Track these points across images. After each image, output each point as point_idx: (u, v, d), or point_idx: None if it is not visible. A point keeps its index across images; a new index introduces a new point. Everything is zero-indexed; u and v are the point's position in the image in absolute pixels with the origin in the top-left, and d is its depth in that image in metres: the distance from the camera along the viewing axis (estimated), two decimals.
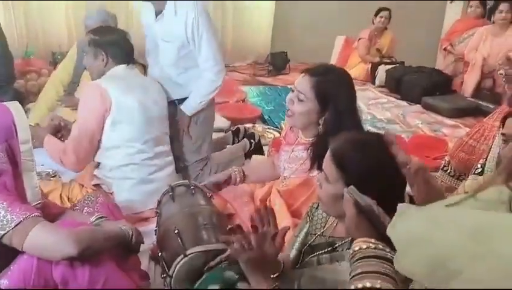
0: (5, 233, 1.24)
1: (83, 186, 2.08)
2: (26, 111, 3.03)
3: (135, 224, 1.93)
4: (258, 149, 2.89)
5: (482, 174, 1.81)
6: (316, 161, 1.66)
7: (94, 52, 2.08)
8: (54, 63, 4.37)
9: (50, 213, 1.54)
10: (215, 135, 3.06)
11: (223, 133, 3.27)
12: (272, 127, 3.48)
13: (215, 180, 1.97)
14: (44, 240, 1.26)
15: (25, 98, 3.09)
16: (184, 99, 2.43)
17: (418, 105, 4.21)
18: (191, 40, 2.27)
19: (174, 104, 2.47)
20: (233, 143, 2.91)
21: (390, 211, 0.90)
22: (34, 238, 1.25)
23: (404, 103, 4.32)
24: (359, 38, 5.25)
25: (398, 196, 1.14)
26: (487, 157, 1.80)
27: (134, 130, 2.07)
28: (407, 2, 5.58)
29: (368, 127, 3.59)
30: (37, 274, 1.29)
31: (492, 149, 1.80)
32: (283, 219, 1.77)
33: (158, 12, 2.31)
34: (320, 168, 1.68)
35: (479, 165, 1.82)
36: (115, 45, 2.08)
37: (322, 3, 5.59)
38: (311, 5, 5.64)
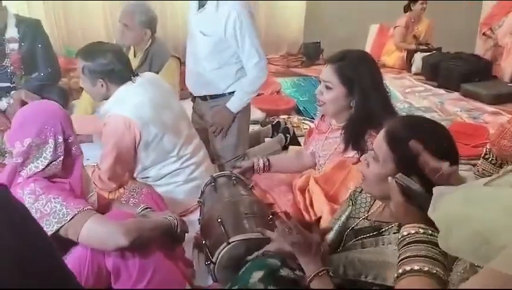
0: (62, 226, 1.34)
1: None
2: (71, 108, 3.21)
3: (179, 215, 2.05)
4: (294, 141, 2.93)
5: None
6: (350, 141, 1.75)
7: (90, 79, 1.94)
8: None
9: (99, 204, 1.63)
10: (251, 127, 3.12)
11: (259, 126, 3.33)
12: (308, 118, 3.48)
13: (238, 168, 2.02)
14: (97, 232, 1.35)
15: (69, 96, 3.22)
16: (216, 95, 2.47)
17: (456, 92, 4.10)
18: (232, 38, 2.30)
19: (205, 100, 2.53)
20: (272, 136, 2.95)
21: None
22: (88, 230, 1.34)
23: (441, 91, 4.22)
24: (395, 26, 5.15)
25: None
26: None
27: (167, 145, 2.05)
28: None
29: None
30: (91, 263, 1.39)
31: None
32: (321, 206, 1.81)
33: (201, 5, 2.37)
34: (355, 148, 1.74)
35: None
36: (110, 69, 1.92)
37: None
38: None
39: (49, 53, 2.94)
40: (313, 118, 3.42)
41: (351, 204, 1.38)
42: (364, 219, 1.31)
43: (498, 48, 4.65)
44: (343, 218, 1.38)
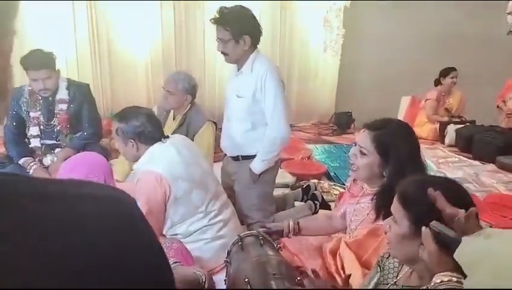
0: None
1: None
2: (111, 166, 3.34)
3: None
4: (324, 207, 2.93)
5: None
6: (382, 210, 1.69)
7: (123, 139, 2.09)
8: None
9: None
10: (281, 191, 3.14)
11: (289, 189, 3.35)
12: (338, 184, 3.49)
13: (265, 228, 1.99)
14: None
15: (109, 155, 3.36)
16: (248, 156, 2.53)
17: (492, 164, 4.04)
18: (260, 93, 2.39)
19: (237, 160, 2.60)
20: (302, 200, 2.96)
21: None
22: None
23: (476, 163, 4.17)
24: (426, 99, 5.23)
25: None
26: None
27: (195, 200, 2.10)
28: (475, 59, 5.51)
29: None
30: None
31: None
32: (353, 270, 1.76)
33: (238, 69, 2.51)
34: (385, 217, 1.70)
35: None
36: (141, 131, 2.06)
37: (386, 63, 5.68)
38: (376, 66, 5.75)
39: (94, 115, 3.13)
40: (343, 184, 3.42)
41: (379, 270, 1.36)
42: (392, 284, 1.29)
43: (510, 119, 4.69)
44: (372, 285, 1.36)
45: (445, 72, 5.12)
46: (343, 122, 5.57)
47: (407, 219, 1.15)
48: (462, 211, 1.05)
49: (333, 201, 3.11)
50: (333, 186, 3.42)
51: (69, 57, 4.70)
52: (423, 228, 1.07)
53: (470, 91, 5.14)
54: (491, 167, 3.99)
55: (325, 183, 3.47)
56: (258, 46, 2.48)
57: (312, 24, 5.66)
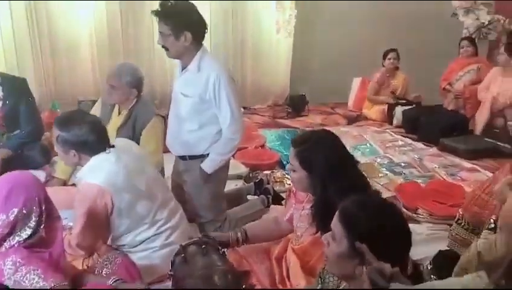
0: None
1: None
2: (52, 164, 3.21)
3: (153, 282, 2.05)
4: (277, 199, 2.96)
5: (494, 230, 1.81)
6: (320, 224, 1.73)
7: (63, 148, 1.97)
8: None
9: (71, 274, 1.63)
10: (234, 183, 3.14)
11: (242, 181, 3.35)
12: None
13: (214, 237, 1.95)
14: None
15: (51, 152, 3.22)
16: (195, 156, 2.49)
17: (434, 148, 4.20)
18: (212, 99, 2.35)
19: (185, 159, 2.56)
20: (255, 194, 2.97)
21: None
22: None
23: (421, 145, 4.31)
24: (369, 81, 5.37)
25: (401, 257, 1.18)
26: (499, 212, 1.80)
27: (141, 211, 2.04)
28: (427, 39, 5.60)
29: (384, 170, 3.62)
30: None
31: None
32: (298, 278, 1.81)
33: (184, 68, 2.44)
34: (320, 228, 1.74)
35: (491, 221, 1.82)
36: (84, 141, 1.93)
37: (340, 44, 5.71)
38: (329, 46, 5.77)
39: (32, 112, 2.97)
40: None
41: (320, 283, 1.39)
42: None
43: (458, 100, 4.88)
44: None
45: (385, 54, 5.25)
46: (297, 105, 5.61)
47: (347, 239, 1.18)
48: (387, 266, 1.07)
49: (285, 192, 3.15)
50: (286, 176, 3.44)
51: (4, 33, 4.39)
52: (363, 268, 1.09)
53: (420, 70, 5.26)
54: (433, 150, 4.15)
55: (278, 173, 3.49)
56: (203, 43, 2.42)
57: (264, 5, 5.59)
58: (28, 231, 1.45)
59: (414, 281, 1.15)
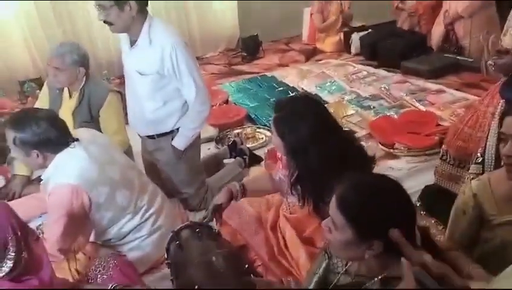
0: None
1: (89, 258, 1.97)
2: (9, 161, 2.96)
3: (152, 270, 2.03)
4: (254, 160, 2.89)
5: (482, 164, 1.82)
6: (305, 200, 1.68)
7: (23, 150, 1.81)
8: (23, 92, 4.25)
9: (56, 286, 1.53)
10: (206, 146, 3.04)
11: (213, 143, 3.25)
12: (261, 126, 3.44)
13: (218, 202, 1.91)
14: None
15: (5, 148, 2.96)
16: (163, 134, 2.37)
17: (398, 74, 4.17)
18: (171, 73, 2.19)
19: (153, 138, 2.42)
20: (230, 156, 2.89)
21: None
22: None
23: (384, 72, 4.26)
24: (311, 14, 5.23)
25: (409, 234, 1.13)
26: (486, 145, 1.80)
27: (121, 201, 1.94)
28: None
29: (354, 106, 3.59)
30: None
31: (489, 138, 1.80)
32: (295, 248, 1.78)
33: (133, 42, 2.23)
34: (315, 209, 1.67)
35: (478, 154, 1.83)
36: (45, 139, 1.78)
37: None
38: None
39: None
40: (266, 125, 3.38)
41: (326, 258, 1.35)
42: (343, 273, 1.30)
43: (413, 18, 4.81)
44: (320, 271, 1.36)
45: None
46: (251, 47, 5.38)
47: (350, 228, 1.10)
48: (428, 256, 0.98)
49: (261, 147, 3.11)
50: (257, 130, 3.37)
51: None
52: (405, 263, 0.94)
53: None
54: (397, 77, 4.11)
55: (248, 129, 3.41)
56: (148, 10, 2.19)
57: None
58: (9, 263, 1.31)
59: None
